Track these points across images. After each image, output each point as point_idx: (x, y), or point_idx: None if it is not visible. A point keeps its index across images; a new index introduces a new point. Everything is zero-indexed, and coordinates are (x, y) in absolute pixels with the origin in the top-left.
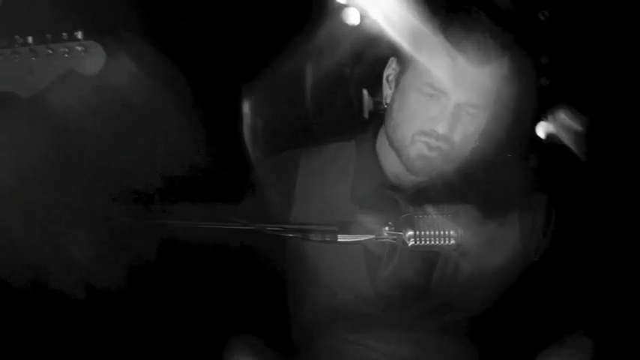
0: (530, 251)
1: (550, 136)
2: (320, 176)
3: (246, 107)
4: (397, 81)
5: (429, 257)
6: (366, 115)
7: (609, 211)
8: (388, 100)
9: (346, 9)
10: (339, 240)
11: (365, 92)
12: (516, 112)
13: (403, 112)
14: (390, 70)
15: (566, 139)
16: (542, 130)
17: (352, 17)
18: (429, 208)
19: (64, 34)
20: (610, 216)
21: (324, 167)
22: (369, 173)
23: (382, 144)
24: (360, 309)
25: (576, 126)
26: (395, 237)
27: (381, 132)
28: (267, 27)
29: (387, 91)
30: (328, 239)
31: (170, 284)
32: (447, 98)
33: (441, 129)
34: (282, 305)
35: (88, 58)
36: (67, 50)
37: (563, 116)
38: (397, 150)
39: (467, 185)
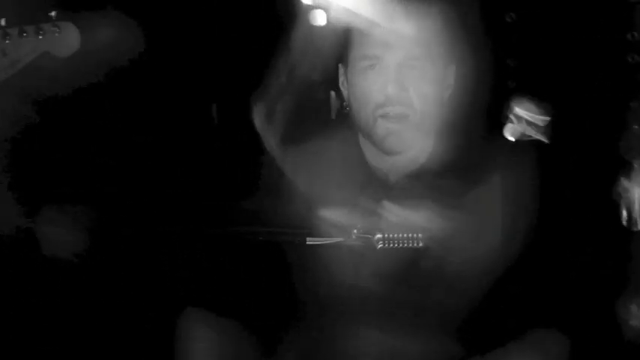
0: (511, 246)
1: (519, 137)
2: (306, 173)
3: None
4: (347, 80)
5: (411, 252)
6: (333, 115)
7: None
8: (347, 102)
9: (313, 10)
10: (308, 243)
11: (332, 93)
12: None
13: (357, 97)
14: (341, 76)
15: (532, 133)
16: (509, 132)
17: (319, 18)
18: (399, 211)
19: (39, 14)
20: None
21: (310, 164)
22: (355, 167)
23: (364, 141)
24: (345, 302)
25: (538, 117)
26: (363, 240)
27: None
28: (234, 30)
29: (344, 92)
30: (297, 242)
31: (125, 252)
32: (385, 61)
33: (391, 89)
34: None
35: (62, 39)
36: (41, 31)
37: (521, 110)
38: (368, 137)
39: (448, 179)
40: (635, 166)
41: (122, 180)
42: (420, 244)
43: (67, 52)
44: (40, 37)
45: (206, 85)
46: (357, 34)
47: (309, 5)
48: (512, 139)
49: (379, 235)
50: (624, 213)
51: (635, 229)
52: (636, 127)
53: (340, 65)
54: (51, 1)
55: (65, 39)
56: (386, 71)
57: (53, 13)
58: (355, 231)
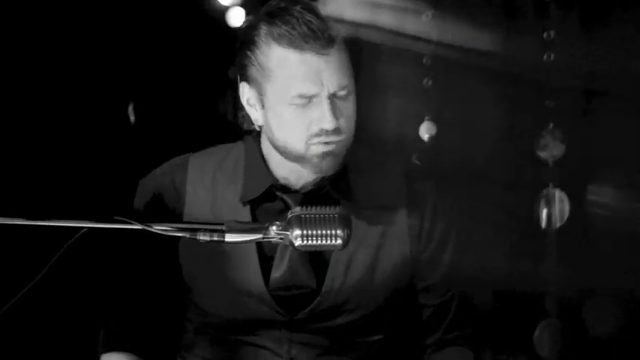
0: (419, 248)
1: (432, 137)
2: (210, 179)
3: None
4: (261, 102)
5: (322, 258)
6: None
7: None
8: (260, 122)
9: (229, 10)
10: (226, 240)
11: None
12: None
13: (286, 129)
14: (248, 95)
15: None
16: (424, 130)
17: (235, 19)
18: (317, 208)
19: None
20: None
21: (214, 169)
22: (258, 175)
23: (267, 148)
24: (255, 310)
25: None
26: (282, 236)
27: (263, 136)
28: (149, 33)
29: (254, 113)
30: (216, 239)
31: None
32: (319, 96)
33: (327, 125)
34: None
35: None
36: None
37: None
38: (298, 162)
39: (354, 186)
40: (550, 164)
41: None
42: (339, 242)
43: None
44: None
45: (123, 84)
46: (286, 70)
47: (226, 6)
48: (425, 137)
49: (298, 232)
50: (542, 212)
51: (553, 229)
52: (552, 125)
53: (244, 84)
54: None
55: None
56: (320, 106)
57: None
58: (274, 227)
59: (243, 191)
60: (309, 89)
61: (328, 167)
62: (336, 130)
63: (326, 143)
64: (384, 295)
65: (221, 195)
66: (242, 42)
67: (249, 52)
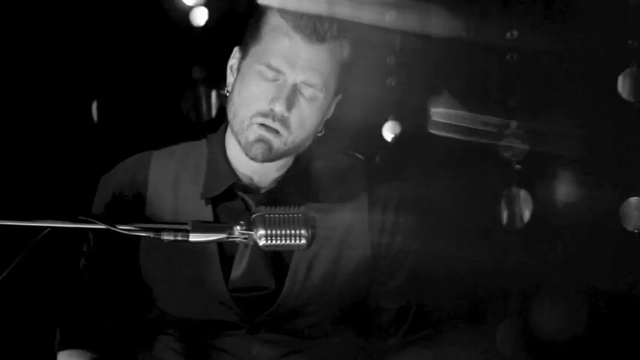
0: (380, 251)
1: (396, 137)
2: (172, 176)
3: None
4: (238, 68)
5: (282, 259)
6: (213, 113)
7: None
8: (230, 88)
9: (193, 10)
10: (190, 239)
11: (214, 92)
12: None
13: (242, 95)
14: (234, 59)
15: None
16: (388, 130)
17: (199, 18)
18: (281, 208)
19: None
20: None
21: (177, 167)
22: (220, 173)
23: (230, 144)
24: (215, 311)
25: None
26: (246, 236)
27: (229, 131)
28: (112, 32)
29: (230, 79)
30: (180, 238)
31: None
32: (284, 78)
33: (278, 107)
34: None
35: None
36: None
37: None
38: (237, 136)
39: (316, 187)
40: (515, 164)
41: None
42: (303, 242)
43: None
44: None
45: (86, 82)
46: (272, 38)
47: (190, 5)
48: (389, 137)
49: (262, 232)
50: (505, 212)
51: (516, 228)
52: (515, 124)
53: (237, 48)
54: None
55: None
56: (281, 88)
57: None
58: (238, 227)
59: (205, 188)
60: (279, 64)
61: (257, 154)
62: (283, 121)
63: (267, 127)
64: (345, 297)
65: (183, 192)
66: (259, 11)
67: (255, 19)
